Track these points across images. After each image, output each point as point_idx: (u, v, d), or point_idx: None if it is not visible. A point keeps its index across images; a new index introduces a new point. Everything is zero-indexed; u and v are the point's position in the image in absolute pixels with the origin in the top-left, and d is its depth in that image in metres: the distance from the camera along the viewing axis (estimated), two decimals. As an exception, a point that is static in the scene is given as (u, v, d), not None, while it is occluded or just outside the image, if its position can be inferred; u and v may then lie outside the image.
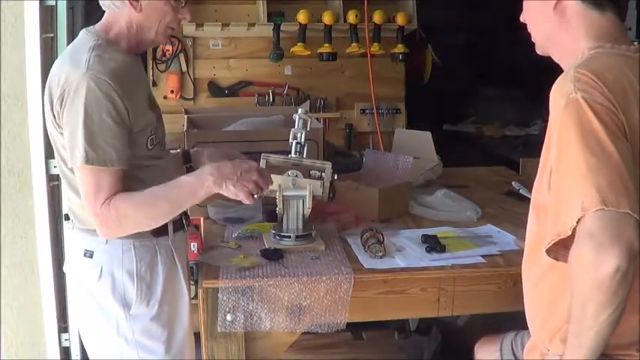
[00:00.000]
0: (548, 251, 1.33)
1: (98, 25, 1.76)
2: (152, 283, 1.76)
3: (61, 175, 1.79)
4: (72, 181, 1.71)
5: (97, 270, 1.73)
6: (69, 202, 1.79)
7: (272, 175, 1.93)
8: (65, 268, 1.87)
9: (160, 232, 1.76)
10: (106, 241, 1.72)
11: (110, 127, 1.61)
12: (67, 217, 1.84)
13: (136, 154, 1.69)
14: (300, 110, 2.02)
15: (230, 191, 1.71)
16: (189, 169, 2.05)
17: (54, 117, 1.67)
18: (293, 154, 1.99)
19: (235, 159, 2.00)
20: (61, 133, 1.66)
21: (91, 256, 1.74)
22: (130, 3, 1.69)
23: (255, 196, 1.74)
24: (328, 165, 1.97)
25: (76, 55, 1.66)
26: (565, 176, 1.29)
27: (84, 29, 1.77)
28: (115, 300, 1.74)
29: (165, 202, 1.70)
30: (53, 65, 1.73)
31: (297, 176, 1.92)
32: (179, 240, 1.84)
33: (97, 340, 1.82)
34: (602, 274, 1.19)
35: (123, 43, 1.73)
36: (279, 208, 1.95)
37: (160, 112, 1.85)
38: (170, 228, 1.78)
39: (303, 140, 1.99)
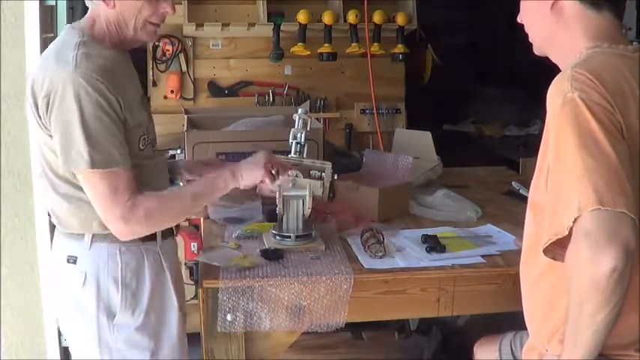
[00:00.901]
0: (546, 251, 1.33)
1: (83, 21, 1.70)
2: (138, 291, 1.72)
3: (43, 178, 1.71)
4: (57, 186, 1.66)
5: (81, 276, 1.68)
6: (52, 205, 1.72)
7: None
8: (49, 276, 1.81)
9: (148, 237, 1.72)
10: (90, 245, 1.68)
11: (107, 125, 1.57)
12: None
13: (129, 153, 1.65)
14: (300, 110, 2.02)
15: (246, 180, 1.78)
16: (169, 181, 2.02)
17: (39, 117, 1.60)
18: (293, 154, 1.99)
19: (213, 164, 2.02)
20: (49, 136, 1.60)
21: (74, 262, 1.69)
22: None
23: (273, 185, 1.83)
24: (328, 165, 1.97)
25: (61, 53, 1.60)
26: (562, 176, 1.29)
27: (68, 25, 1.72)
28: (98, 308, 1.68)
29: (189, 199, 1.73)
30: (37, 63, 1.68)
31: (297, 176, 1.92)
32: (168, 246, 1.81)
33: (80, 350, 1.77)
34: (599, 273, 1.19)
35: (106, 40, 1.68)
36: (279, 208, 1.95)
37: (150, 113, 1.81)
38: (158, 233, 1.75)
39: (303, 140, 1.99)
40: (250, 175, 1.79)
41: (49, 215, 1.80)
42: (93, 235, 1.68)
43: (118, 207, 1.59)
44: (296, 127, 2.00)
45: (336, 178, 1.98)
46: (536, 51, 1.56)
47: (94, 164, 1.55)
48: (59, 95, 1.54)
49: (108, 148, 1.57)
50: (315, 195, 1.94)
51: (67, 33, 1.68)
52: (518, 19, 1.57)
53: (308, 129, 2.01)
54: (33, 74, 1.64)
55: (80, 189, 1.63)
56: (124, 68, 1.72)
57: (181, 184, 2.05)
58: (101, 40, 1.67)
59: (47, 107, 1.56)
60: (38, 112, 1.60)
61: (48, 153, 1.64)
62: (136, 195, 1.62)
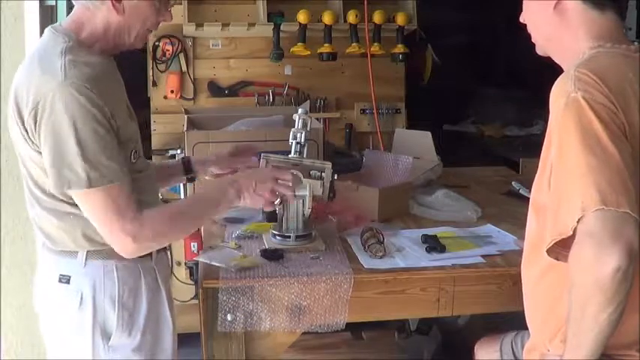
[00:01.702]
0: (549, 251, 1.33)
1: (66, 23, 1.59)
2: (135, 310, 1.64)
3: (28, 195, 1.61)
4: (43, 201, 1.57)
5: (76, 297, 1.58)
6: (39, 221, 1.61)
7: None
8: (36, 297, 1.69)
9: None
10: (85, 263, 1.59)
11: (103, 137, 1.47)
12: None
13: None
14: (300, 110, 2.01)
15: (248, 202, 1.70)
16: (190, 180, 2.03)
17: (26, 132, 1.49)
18: (293, 154, 1.99)
19: (243, 152, 2.01)
20: (36, 151, 1.50)
21: (67, 282, 1.58)
22: (113, 4, 1.54)
23: (276, 202, 1.77)
24: (328, 165, 1.96)
25: (47, 61, 1.48)
26: (565, 176, 1.29)
27: (49, 27, 1.59)
28: (93, 330, 1.60)
29: (192, 218, 1.65)
30: (19, 72, 1.56)
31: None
32: (161, 261, 1.75)
33: None
34: (602, 274, 1.19)
35: (97, 45, 1.58)
36: (279, 208, 1.95)
37: (137, 123, 1.72)
38: None
39: (303, 140, 1.99)
40: (254, 199, 1.71)
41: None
42: (87, 252, 1.59)
43: (125, 223, 1.50)
44: (296, 127, 2.00)
45: (336, 177, 1.98)
46: (539, 51, 1.56)
47: (90, 182, 1.46)
48: (48, 108, 1.44)
49: (105, 162, 1.47)
50: (315, 195, 1.93)
51: (49, 37, 1.57)
52: (521, 19, 1.57)
53: (308, 129, 2.00)
54: (15, 84, 1.53)
55: (70, 204, 1.55)
56: (113, 77, 1.63)
57: (207, 177, 2.05)
58: (89, 45, 1.57)
59: (35, 121, 1.46)
60: (24, 126, 1.49)
61: (33, 168, 1.55)
62: (140, 210, 1.53)
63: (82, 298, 1.59)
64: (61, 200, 1.55)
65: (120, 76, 1.69)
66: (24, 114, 1.48)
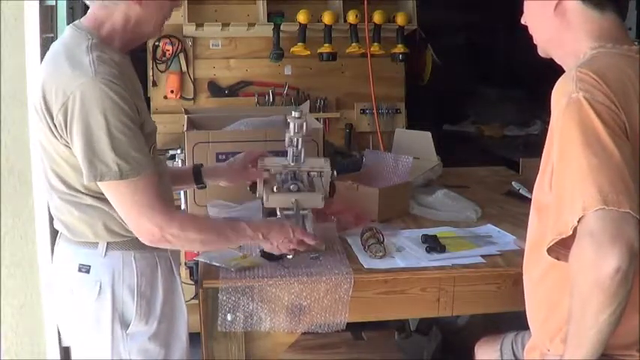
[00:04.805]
0: (550, 251, 1.33)
1: (86, 21, 1.62)
2: (152, 298, 1.68)
3: (47, 187, 1.65)
4: (64, 194, 1.60)
5: (95, 286, 1.62)
6: (58, 213, 1.65)
7: (272, 196, 1.91)
8: (49, 285, 1.71)
9: None
10: (105, 253, 1.62)
11: (133, 130, 1.51)
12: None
13: None
14: (294, 113, 1.91)
15: (267, 248, 1.81)
16: (200, 188, 2.07)
17: (54, 126, 1.53)
18: (291, 162, 1.96)
19: (254, 161, 2.01)
20: (65, 145, 1.54)
21: (87, 271, 1.62)
22: None
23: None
24: (327, 169, 1.94)
25: (74, 58, 1.52)
26: (566, 176, 1.29)
27: (71, 25, 1.63)
28: (113, 319, 1.64)
29: (222, 240, 1.71)
30: (43, 68, 1.60)
31: (297, 196, 1.90)
32: (175, 252, 1.78)
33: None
34: (602, 273, 1.19)
35: (116, 41, 1.62)
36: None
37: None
38: None
39: (300, 145, 1.94)
40: (276, 248, 1.81)
41: (51, 220, 1.73)
42: (107, 243, 1.63)
43: (154, 214, 1.55)
44: (292, 132, 1.91)
45: (335, 175, 1.96)
46: (541, 52, 1.56)
47: (122, 174, 1.50)
48: (79, 103, 1.47)
49: (135, 154, 1.51)
50: (317, 208, 1.92)
51: (72, 35, 1.60)
52: (522, 21, 1.57)
53: (304, 132, 1.93)
54: (42, 80, 1.56)
55: (91, 196, 1.59)
56: (132, 73, 1.67)
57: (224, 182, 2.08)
58: (109, 42, 1.60)
59: (66, 116, 1.49)
60: (53, 122, 1.52)
61: (58, 160, 1.58)
62: (171, 205, 1.59)
63: (100, 288, 1.63)
64: (83, 193, 1.59)
65: (135, 74, 1.72)
66: (53, 109, 1.51)
